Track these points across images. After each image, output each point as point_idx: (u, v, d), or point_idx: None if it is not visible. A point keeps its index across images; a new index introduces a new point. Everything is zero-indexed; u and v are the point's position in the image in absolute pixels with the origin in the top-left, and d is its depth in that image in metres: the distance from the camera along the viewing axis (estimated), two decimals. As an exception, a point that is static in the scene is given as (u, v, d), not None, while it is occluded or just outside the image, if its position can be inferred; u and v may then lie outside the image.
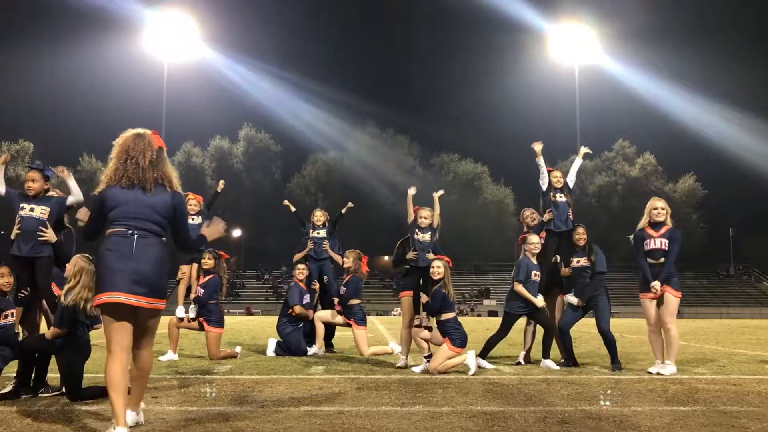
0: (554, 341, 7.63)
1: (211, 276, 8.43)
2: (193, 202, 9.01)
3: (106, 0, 64.31)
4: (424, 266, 7.26)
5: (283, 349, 8.82)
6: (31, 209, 5.91)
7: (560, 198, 8.22)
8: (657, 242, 7.15)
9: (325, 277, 9.81)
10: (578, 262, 7.58)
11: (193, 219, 8.72)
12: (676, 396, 5.36)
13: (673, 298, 7.01)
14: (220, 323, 8.44)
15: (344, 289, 9.07)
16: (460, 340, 6.84)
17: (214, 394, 5.35)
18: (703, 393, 5.50)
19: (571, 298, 7.50)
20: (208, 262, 8.48)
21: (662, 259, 7.12)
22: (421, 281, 7.39)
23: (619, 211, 59.49)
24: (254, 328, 18.12)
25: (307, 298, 9.24)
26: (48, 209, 5.94)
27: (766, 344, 11.96)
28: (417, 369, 6.92)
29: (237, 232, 62.41)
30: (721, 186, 61.61)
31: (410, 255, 7.46)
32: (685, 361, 8.41)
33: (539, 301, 7.48)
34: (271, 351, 8.86)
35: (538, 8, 68.41)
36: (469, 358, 6.73)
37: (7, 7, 75.75)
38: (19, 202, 5.95)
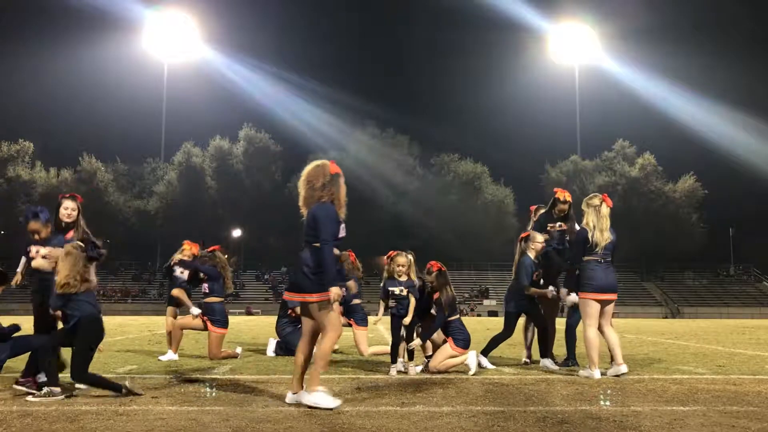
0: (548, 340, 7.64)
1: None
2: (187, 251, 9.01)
3: (106, 0, 64.26)
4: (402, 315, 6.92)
5: (282, 349, 8.81)
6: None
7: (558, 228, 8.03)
8: None
9: None
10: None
11: (181, 272, 8.84)
12: (676, 396, 5.36)
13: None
14: (224, 324, 8.37)
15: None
16: (463, 340, 6.85)
17: (214, 394, 5.35)
18: (703, 393, 5.50)
19: (573, 297, 7.46)
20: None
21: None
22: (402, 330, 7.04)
23: (619, 211, 59.35)
24: (254, 328, 18.12)
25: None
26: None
27: (766, 344, 11.96)
28: (417, 369, 6.92)
29: (237, 232, 62.40)
30: (721, 186, 61.54)
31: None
32: (685, 361, 8.41)
33: (549, 290, 7.52)
34: (271, 351, 8.87)
35: (538, 8, 68.49)
36: (470, 358, 6.73)
37: (7, 7, 75.79)
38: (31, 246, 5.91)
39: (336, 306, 4.88)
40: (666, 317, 47.62)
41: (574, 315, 7.57)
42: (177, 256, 9.05)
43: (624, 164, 64.90)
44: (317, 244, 4.86)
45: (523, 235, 7.86)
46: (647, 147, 64.86)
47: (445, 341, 6.91)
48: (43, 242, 5.86)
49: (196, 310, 8.39)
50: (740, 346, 11.50)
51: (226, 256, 8.93)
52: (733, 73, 65.67)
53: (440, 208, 58.03)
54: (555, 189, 8.27)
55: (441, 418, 4.31)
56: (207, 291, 8.32)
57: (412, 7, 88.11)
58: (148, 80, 70.04)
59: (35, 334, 5.82)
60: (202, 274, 8.33)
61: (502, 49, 78.39)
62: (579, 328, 7.45)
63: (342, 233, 4.97)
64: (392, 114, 67.27)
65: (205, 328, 8.36)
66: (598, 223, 6.61)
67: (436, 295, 6.94)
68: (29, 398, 5.04)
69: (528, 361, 7.81)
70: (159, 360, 8.04)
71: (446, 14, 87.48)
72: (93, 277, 5.45)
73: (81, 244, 5.46)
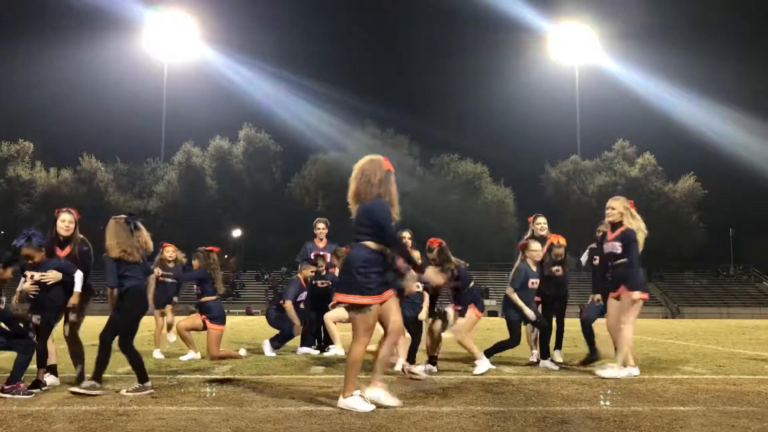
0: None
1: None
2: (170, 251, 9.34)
3: (106, 0, 64.27)
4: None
5: (278, 340, 8.97)
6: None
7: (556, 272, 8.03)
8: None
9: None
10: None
11: (163, 277, 9.16)
12: (676, 396, 5.36)
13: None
14: (221, 321, 8.35)
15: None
16: (482, 303, 7.12)
17: (214, 394, 5.35)
18: (703, 393, 5.50)
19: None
20: (194, 263, 8.47)
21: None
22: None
23: (619, 211, 59.35)
24: (254, 328, 18.12)
25: (303, 296, 9.29)
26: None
27: (766, 344, 11.96)
28: (420, 369, 6.88)
29: (237, 232, 62.40)
30: (721, 186, 61.55)
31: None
32: (685, 361, 8.41)
33: (530, 313, 7.24)
34: (269, 352, 8.87)
35: (538, 8, 68.49)
36: (483, 365, 6.67)
37: (7, 7, 75.80)
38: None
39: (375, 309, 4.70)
40: (666, 317, 47.61)
41: (591, 311, 7.60)
42: (158, 259, 9.29)
43: (624, 164, 64.91)
44: (368, 242, 4.74)
45: (520, 244, 7.78)
46: (647, 147, 64.91)
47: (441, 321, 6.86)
48: (36, 267, 5.77)
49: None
50: (740, 346, 11.50)
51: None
52: (733, 73, 65.70)
53: (440, 208, 58.02)
54: (551, 235, 8.20)
55: (441, 418, 4.31)
56: (200, 292, 8.34)
57: (412, 7, 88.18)
58: (148, 80, 70.12)
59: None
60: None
61: (502, 49, 78.47)
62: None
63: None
64: (392, 114, 67.32)
65: (206, 328, 8.35)
66: (638, 224, 6.74)
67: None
68: (123, 392, 5.33)
69: (537, 360, 7.82)
70: (180, 360, 8.18)
71: (446, 14, 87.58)
72: (149, 244, 5.79)
73: (123, 216, 5.71)
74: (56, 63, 66.52)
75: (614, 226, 6.83)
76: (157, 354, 8.64)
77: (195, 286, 8.25)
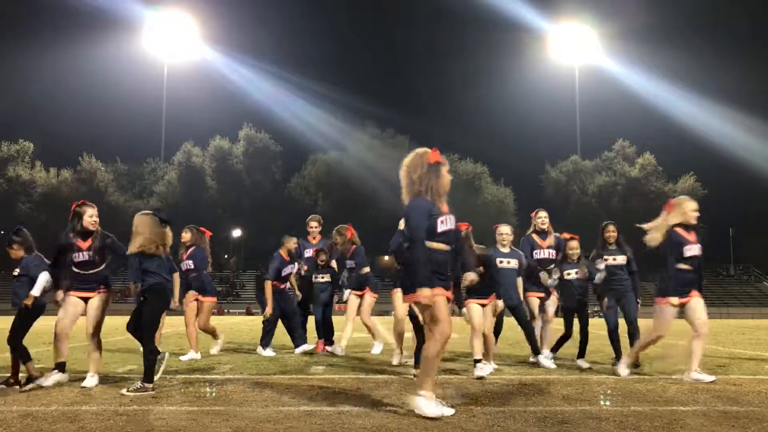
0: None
1: (194, 248, 8.76)
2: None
3: (106, 0, 64.27)
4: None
5: (265, 338, 8.97)
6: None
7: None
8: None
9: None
10: (614, 260, 7.52)
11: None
12: (676, 396, 5.36)
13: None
14: (213, 292, 8.96)
15: (352, 262, 8.98)
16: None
17: (214, 394, 5.35)
18: (703, 393, 5.50)
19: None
20: (185, 236, 8.82)
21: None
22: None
23: (619, 211, 59.37)
24: (254, 328, 18.11)
25: (288, 269, 9.22)
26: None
27: (766, 344, 11.96)
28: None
29: (237, 232, 62.39)
30: (721, 186, 61.52)
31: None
32: (685, 360, 8.39)
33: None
34: (268, 353, 8.86)
35: (538, 8, 68.49)
36: (486, 368, 6.65)
37: (7, 7, 75.78)
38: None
39: (441, 308, 4.50)
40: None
41: (612, 317, 7.50)
42: None
43: (624, 164, 64.90)
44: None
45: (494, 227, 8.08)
46: (647, 147, 64.90)
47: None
48: (17, 263, 6.04)
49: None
50: (740, 346, 11.50)
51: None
52: (733, 73, 65.69)
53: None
54: (562, 233, 8.12)
55: (441, 418, 4.31)
56: (192, 267, 8.70)
57: (411, 7, 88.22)
58: (148, 80, 70.10)
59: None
60: (191, 263, 8.73)
61: (502, 49, 78.54)
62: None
63: (443, 227, 4.58)
64: (392, 114, 67.38)
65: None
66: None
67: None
68: (123, 391, 5.34)
69: (554, 356, 7.91)
70: (180, 360, 8.17)
71: (446, 14, 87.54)
72: (168, 242, 5.98)
73: (150, 211, 6.03)
74: (56, 63, 66.63)
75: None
76: (192, 355, 8.47)
77: (188, 262, 8.67)
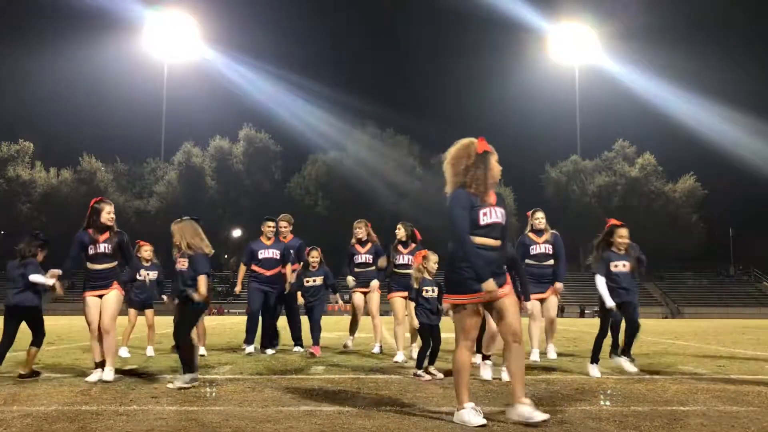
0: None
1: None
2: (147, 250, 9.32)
3: (106, 0, 64.27)
4: None
5: (267, 339, 9.00)
6: None
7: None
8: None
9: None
10: (624, 266, 7.07)
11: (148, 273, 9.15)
12: (676, 396, 5.36)
13: None
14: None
15: (369, 257, 8.93)
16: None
17: (214, 394, 5.35)
18: (703, 393, 5.50)
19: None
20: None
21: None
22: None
23: (619, 211, 59.44)
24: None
25: (266, 254, 9.05)
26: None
27: (766, 344, 11.96)
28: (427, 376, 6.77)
29: (237, 232, 62.39)
30: (721, 186, 61.60)
31: None
32: (685, 361, 8.41)
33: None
34: (269, 351, 8.87)
35: (538, 8, 68.55)
36: (484, 370, 6.60)
37: (7, 7, 75.79)
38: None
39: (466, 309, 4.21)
40: (666, 317, 47.64)
41: (617, 313, 7.34)
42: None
43: (624, 164, 64.95)
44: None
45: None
46: (647, 147, 64.96)
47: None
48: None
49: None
50: (740, 346, 11.50)
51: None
52: (733, 73, 65.79)
53: (440, 208, 57.93)
54: (608, 219, 7.21)
55: (441, 418, 4.31)
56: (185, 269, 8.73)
57: (412, 7, 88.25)
58: (148, 80, 70.15)
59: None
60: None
61: (502, 49, 78.69)
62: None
63: (485, 219, 4.25)
64: (392, 114, 67.39)
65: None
66: None
67: None
68: (169, 386, 5.67)
69: (553, 355, 8.00)
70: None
71: (446, 14, 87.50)
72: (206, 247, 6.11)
73: (188, 217, 6.20)
74: (56, 63, 66.63)
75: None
76: (123, 352, 8.56)
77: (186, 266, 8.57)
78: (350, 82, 72.89)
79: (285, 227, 9.54)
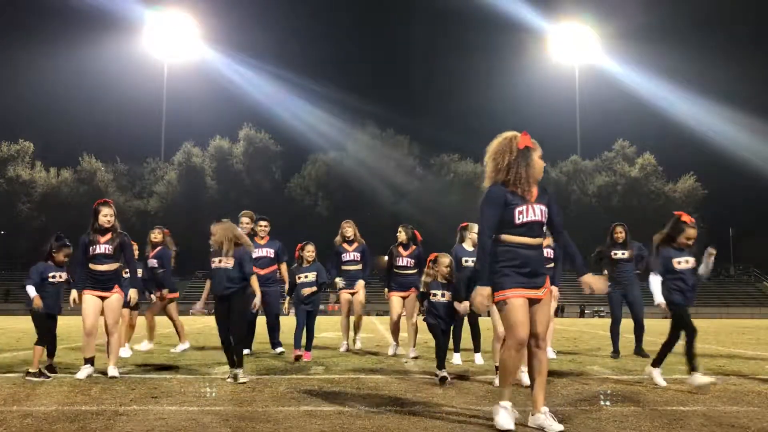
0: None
1: (160, 248, 9.31)
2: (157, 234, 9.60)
3: (106, 0, 64.28)
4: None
5: (273, 337, 9.05)
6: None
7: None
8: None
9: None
10: (623, 254, 7.58)
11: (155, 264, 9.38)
12: (676, 396, 5.36)
13: None
14: (175, 289, 9.63)
15: (357, 254, 9.37)
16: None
17: (214, 394, 5.35)
18: (703, 393, 5.49)
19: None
20: (157, 236, 9.40)
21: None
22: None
23: (619, 211, 59.45)
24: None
25: (260, 253, 8.97)
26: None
27: (766, 344, 11.96)
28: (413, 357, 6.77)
29: (237, 232, 62.32)
30: (721, 186, 61.57)
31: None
32: (686, 361, 8.39)
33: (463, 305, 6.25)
34: (279, 348, 8.90)
35: (538, 8, 68.55)
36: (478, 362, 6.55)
37: (7, 7, 75.78)
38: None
39: (511, 310, 4.03)
40: (666, 317, 47.55)
41: (617, 310, 7.54)
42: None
43: (624, 164, 64.93)
44: (498, 235, 4.16)
45: (462, 225, 7.99)
46: (647, 147, 64.93)
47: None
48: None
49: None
50: (740, 346, 11.50)
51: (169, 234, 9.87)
52: (733, 73, 65.71)
53: (440, 208, 58.00)
54: (676, 212, 6.48)
55: (441, 418, 4.31)
56: (156, 265, 9.27)
57: (412, 7, 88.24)
58: (148, 80, 70.12)
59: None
60: (156, 262, 9.29)
61: (502, 49, 78.58)
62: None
63: (521, 218, 4.07)
64: (392, 114, 67.36)
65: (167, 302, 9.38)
66: None
67: None
68: (242, 380, 5.97)
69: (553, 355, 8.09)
70: (171, 352, 8.66)
71: (446, 14, 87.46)
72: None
73: (227, 220, 6.53)
74: (56, 63, 66.60)
75: None
76: (124, 352, 8.42)
77: (152, 261, 9.26)
78: (350, 82, 72.90)
79: (265, 226, 9.43)
